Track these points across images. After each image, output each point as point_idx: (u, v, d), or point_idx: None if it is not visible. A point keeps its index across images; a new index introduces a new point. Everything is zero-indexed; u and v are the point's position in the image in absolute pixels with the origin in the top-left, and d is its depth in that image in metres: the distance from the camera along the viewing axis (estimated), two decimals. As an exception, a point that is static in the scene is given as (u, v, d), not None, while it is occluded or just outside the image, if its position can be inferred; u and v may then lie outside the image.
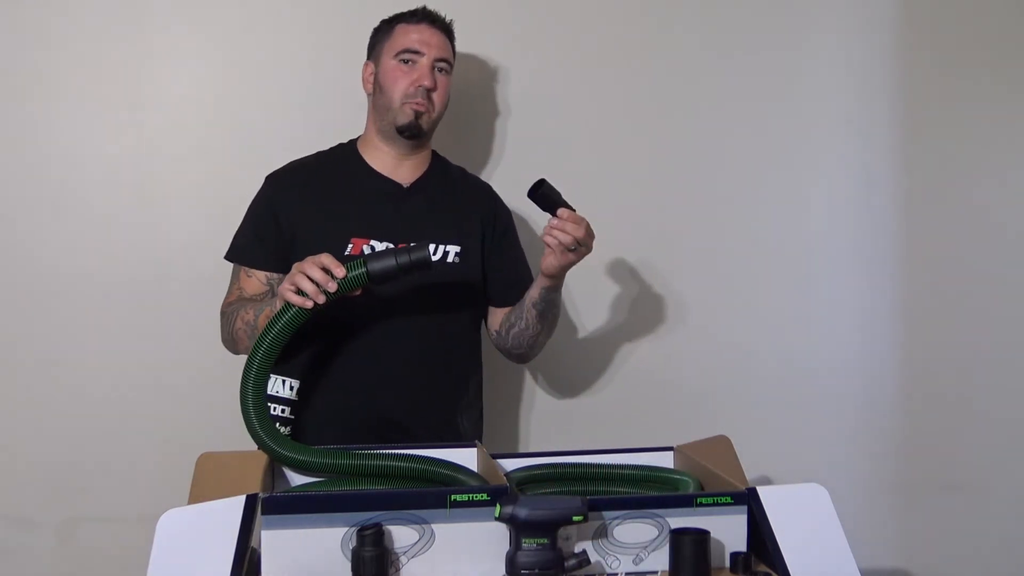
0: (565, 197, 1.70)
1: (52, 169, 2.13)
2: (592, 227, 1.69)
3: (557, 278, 1.77)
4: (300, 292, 1.50)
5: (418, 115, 1.82)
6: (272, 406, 1.81)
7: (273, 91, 2.19)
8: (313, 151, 1.92)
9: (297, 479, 1.52)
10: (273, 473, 1.51)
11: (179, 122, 2.17)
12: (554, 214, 1.67)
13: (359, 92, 2.02)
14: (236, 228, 1.87)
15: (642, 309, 2.32)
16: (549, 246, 1.69)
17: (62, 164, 2.14)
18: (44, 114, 2.13)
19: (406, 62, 1.82)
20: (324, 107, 2.18)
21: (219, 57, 2.19)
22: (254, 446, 1.49)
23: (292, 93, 2.19)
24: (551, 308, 1.85)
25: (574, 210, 1.69)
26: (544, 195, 1.68)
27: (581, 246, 1.68)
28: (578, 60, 2.28)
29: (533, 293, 1.82)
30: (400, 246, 1.56)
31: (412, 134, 1.84)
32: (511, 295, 1.92)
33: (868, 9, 2.37)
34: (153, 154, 2.16)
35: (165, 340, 2.16)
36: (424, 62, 1.82)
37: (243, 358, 1.56)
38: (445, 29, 1.87)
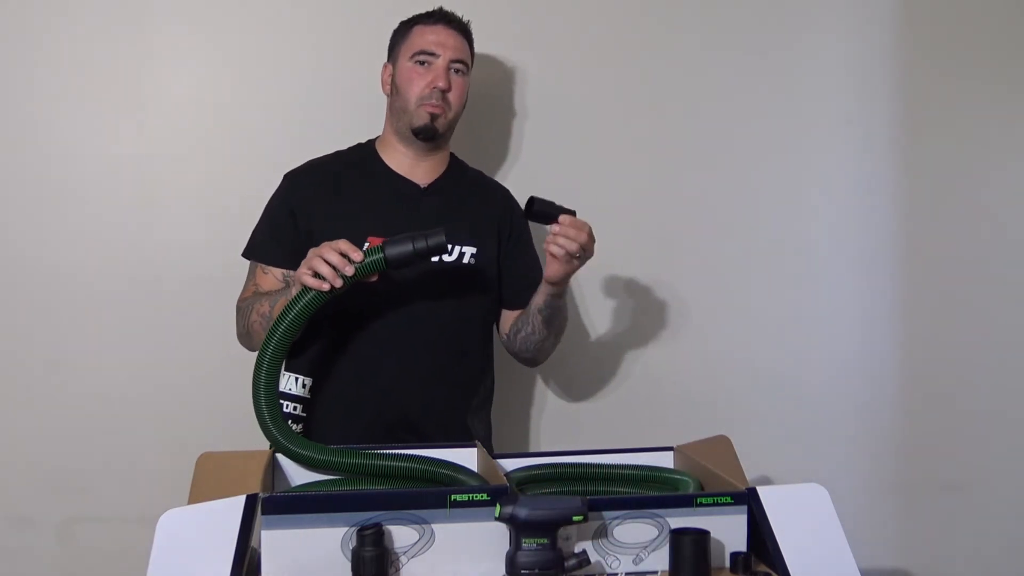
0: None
1: (52, 169, 2.13)
2: (594, 229, 1.68)
3: (561, 284, 1.77)
4: (317, 275, 1.51)
5: (433, 117, 1.81)
6: (284, 403, 1.81)
7: (273, 91, 2.19)
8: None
9: (298, 479, 1.52)
10: (273, 473, 1.51)
11: (179, 122, 2.17)
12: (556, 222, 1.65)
13: (360, 92, 2.02)
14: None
15: (644, 310, 2.32)
16: (554, 255, 1.67)
17: (62, 164, 2.14)
18: (44, 114, 2.13)
19: (422, 63, 1.82)
20: (324, 107, 2.18)
21: (219, 57, 2.19)
22: (254, 446, 1.49)
23: (292, 93, 2.19)
24: (557, 314, 1.85)
25: (574, 213, 1.68)
26: (539, 212, 1.65)
27: (585, 251, 1.67)
28: (588, 61, 2.28)
29: (538, 300, 1.82)
30: (416, 231, 1.56)
31: (428, 136, 1.83)
32: (524, 298, 1.91)
33: (868, 9, 2.37)
34: (153, 154, 2.16)
35: (165, 340, 2.16)
36: (439, 63, 1.81)
37: (247, 357, 1.56)
38: (462, 30, 1.87)
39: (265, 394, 1.48)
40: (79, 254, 2.14)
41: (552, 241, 1.66)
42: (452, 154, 1.95)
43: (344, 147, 1.93)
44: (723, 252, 2.35)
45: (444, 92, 1.81)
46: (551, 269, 1.71)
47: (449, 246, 1.79)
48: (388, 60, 1.90)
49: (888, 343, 2.42)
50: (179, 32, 2.16)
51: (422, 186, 1.87)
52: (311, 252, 1.55)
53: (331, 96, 2.18)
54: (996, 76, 2.42)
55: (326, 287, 1.50)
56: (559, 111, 2.28)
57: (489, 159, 2.22)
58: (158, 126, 2.16)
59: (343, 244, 1.53)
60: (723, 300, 2.36)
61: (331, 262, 1.51)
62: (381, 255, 1.52)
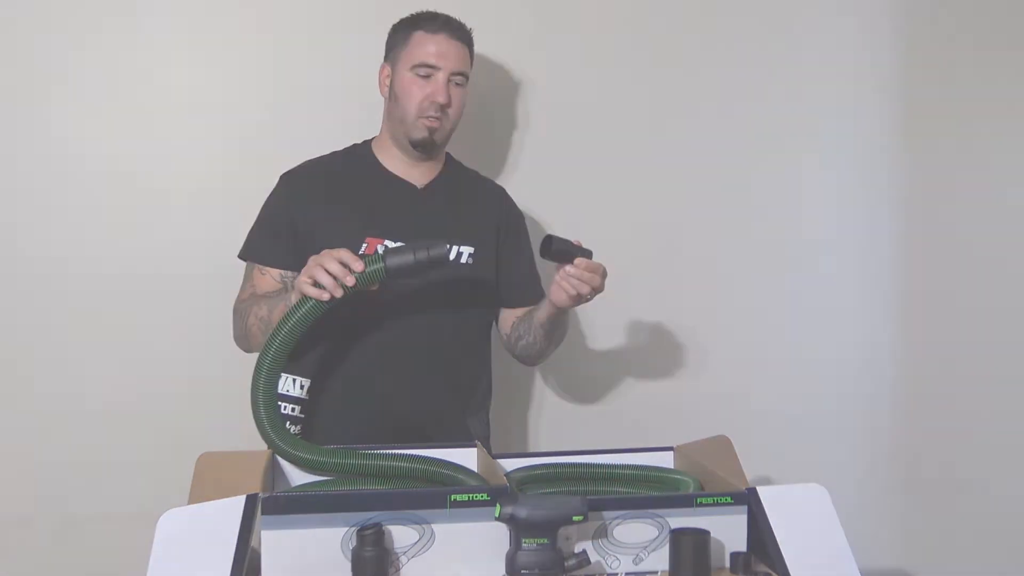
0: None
1: (52, 169, 2.13)
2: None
3: (565, 310, 1.76)
4: (317, 285, 1.50)
5: (432, 131, 1.81)
6: (283, 405, 1.79)
7: (273, 91, 2.19)
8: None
9: (297, 479, 1.52)
10: (273, 473, 1.51)
11: (180, 122, 2.17)
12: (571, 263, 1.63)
13: (360, 93, 2.02)
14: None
15: (644, 310, 2.32)
16: (564, 291, 1.65)
17: (62, 164, 2.13)
18: (44, 114, 2.13)
19: (422, 76, 1.80)
20: (324, 107, 2.18)
21: (219, 57, 2.19)
22: (254, 446, 1.49)
23: (292, 93, 2.18)
24: (559, 327, 1.85)
25: (590, 252, 1.64)
26: (557, 251, 1.62)
27: (595, 291, 1.65)
28: (587, 62, 2.28)
29: (541, 316, 1.80)
30: (417, 242, 1.54)
31: (426, 149, 1.83)
32: (521, 296, 1.92)
33: (868, 9, 2.37)
34: (153, 154, 2.15)
35: (165, 340, 2.16)
36: (440, 77, 1.79)
37: (247, 357, 1.56)
38: (464, 38, 1.84)
39: (264, 401, 1.47)
40: (79, 254, 2.14)
41: (564, 278, 1.64)
42: (448, 154, 1.95)
43: (342, 147, 1.93)
44: (723, 252, 2.35)
45: (443, 106, 1.80)
46: (556, 296, 1.69)
47: (448, 245, 1.79)
48: (386, 60, 1.88)
49: (888, 343, 2.42)
50: (179, 32, 2.16)
51: (419, 187, 1.87)
52: (311, 260, 1.53)
53: (331, 96, 2.18)
54: (996, 76, 2.42)
55: (326, 296, 1.49)
56: (558, 112, 2.28)
57: (489, 160, 2.22)
58: (159, 126, 2.16)
59: (344, 253, 1.51)
60: (723, 300, 2.36)
61: (332, 271, 1.49)
62: (382, 265, 1.50)
